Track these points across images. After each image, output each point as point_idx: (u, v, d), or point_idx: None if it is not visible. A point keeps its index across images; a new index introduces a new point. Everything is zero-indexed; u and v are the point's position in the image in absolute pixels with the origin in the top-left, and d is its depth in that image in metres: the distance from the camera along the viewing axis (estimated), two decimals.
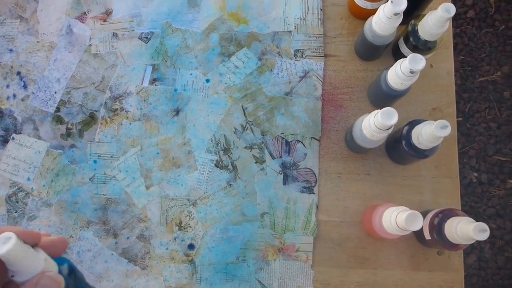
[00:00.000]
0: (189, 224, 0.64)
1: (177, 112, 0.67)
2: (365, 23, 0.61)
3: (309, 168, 0.65)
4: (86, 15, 0.70)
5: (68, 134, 0.67)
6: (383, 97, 0.60)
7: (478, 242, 1.32)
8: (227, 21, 0.69)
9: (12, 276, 0.31)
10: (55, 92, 0.68)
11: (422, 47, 0.59)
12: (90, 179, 0.65)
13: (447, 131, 0.50)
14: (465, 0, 1.51)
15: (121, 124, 0.67)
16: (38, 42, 0.70)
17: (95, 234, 0.64)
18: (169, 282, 0.62)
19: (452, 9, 0.52)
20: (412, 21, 0.60)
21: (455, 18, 1.47)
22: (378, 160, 0.65)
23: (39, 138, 0.67)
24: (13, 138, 0.67)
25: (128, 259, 0.63)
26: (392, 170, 0.65)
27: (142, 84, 0.68)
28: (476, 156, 1.41)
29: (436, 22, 0.54)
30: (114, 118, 0.67)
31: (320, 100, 0.67)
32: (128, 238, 0.64)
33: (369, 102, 0.67)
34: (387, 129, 0.52)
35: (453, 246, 0.53)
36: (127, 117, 0.67)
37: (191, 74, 0.68)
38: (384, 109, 0.50)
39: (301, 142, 0.65)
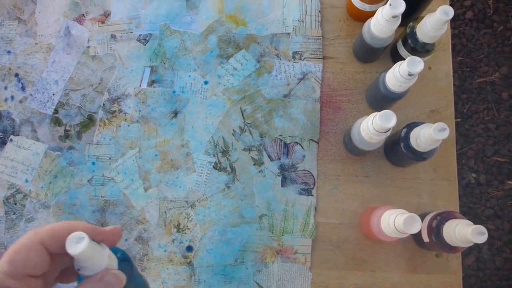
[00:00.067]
0: (187, 226, 0.64)
1: (176, 114, 0.67)
2: (363, 25, 0.61)
3: (308, 170, 0.65)
4: (84, 17, 0.70)
5: (66, 136, 0.67)
6: (382, 99, 0.60)
7: (476, 243, 1.32)
8: (225, 23, 0.69)
9: (78, 269, 0.33)
10: (53, 94, 0.68)
11: (420, 49, 0.59)
12: (88, 181, 0.65)
13: (445, 134, 0.50)
14: (463, 1, 1.51)
15: (120, 126, 0.67)
16: (36, 43, 0.69)
17: None
18: (167, 284, 0.62)
19: (450, 12, 0.52)
20: (411, 23, 0.60)
21: (453, 19, 1.48)
22: (377, 162, 0.65)
23: (37, 140, 0.67)
24: (11, 140, 0.67)
25: None
26: (391, 172, 0.65)
27: (140, 86, 0.68)
28: (474, 157, 1.41)
29: (434, 24, 0.54)
30: (113, 120, 0.67)
31: (318, 102, 0.67)
32: (126, 240, 0.64)
33: (368, 104, 0.67)
34: (386, 132, 0.52)
35: (452, 249, 0.53)
36: (126, 119, 0.67)
37: (189, 76, 0.68)
38: (382, 111, 0.50)
39: (300, 144, 0.65)
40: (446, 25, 0.55)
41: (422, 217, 0.58)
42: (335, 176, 0.65)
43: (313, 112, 0.66)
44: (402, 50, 0.62)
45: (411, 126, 0.57)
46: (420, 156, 0.56)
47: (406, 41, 0.60)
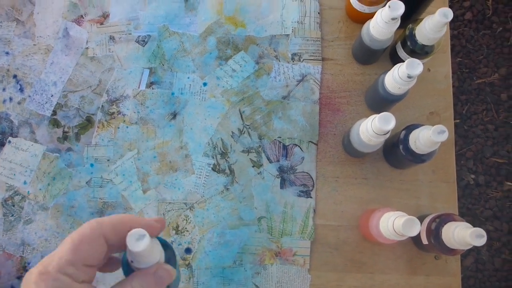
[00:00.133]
0: (186, 228, 0.63)
1: (174, 115, 0.67)
2: (362, 27, 0.61)
3: (307, 172, 0.65)
4: (83, 18, 0.70)
5: (64, 137, 0.67)
6: (381, 101, 0.60)
7: None
8: (224, 25, 0.69)
9: (132, 261, 0.35)
10: (52, 95, 0.68)
11: (419, 51, 0.59)
12: (86, 182, 0.65)
13: (444, 136, 0.50)
14: (463, 2, 1.51)
15: (118, 128, 0.67)
16: (34, 45, 0.69)
17: None
18: None
19: (449, 14, 0.52)
20: (410, 25, 0.60)
21: (452, 20, 1.47)
22: (376, 164, 0.65)
23: (36, 141, 0.67)
24: (9, 142, 0.67)
25: None
26: (390, 174, 0.65)
27: (139, 88, 0.68)
28: (473, 158, 1.41)
29: (433, 26, 0.54)
30: (111, 121, 0.67)
31: (317, 104, 0.66)
32: None
33: (367, 106, 0.66)
34: (385, 134, 0.52)
35: (450, 251, 0.53)
36: (124, 121, 0.67)
37: (188, 77, 0.68)
38: (381, 114, 0.50)
39: (299, 146, 0.65)
40: (445, 27, 0.55)
41: (421, 219, 0.58)
42: (334, 178, 0.65)
43: (312, 114, 0.66)
44: (401, 52, 0.62)
45: (410, 128, 0.57)
46: (419, 158, 0.56)
47: (405, 43, 0.60)
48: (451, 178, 0.64)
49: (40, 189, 0.65)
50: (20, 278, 0.63)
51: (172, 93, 0.67)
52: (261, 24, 0.69)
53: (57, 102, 0.68)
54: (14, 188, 0.65)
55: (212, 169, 0.65)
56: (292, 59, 0.68)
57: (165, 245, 0.39)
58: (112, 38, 0.69)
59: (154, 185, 0.65)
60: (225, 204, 0.64)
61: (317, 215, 0.64)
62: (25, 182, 0.65)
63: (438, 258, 0.62)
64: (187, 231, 0.63)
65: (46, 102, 0.68)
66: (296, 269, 0.62)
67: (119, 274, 0.38)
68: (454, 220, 0.54)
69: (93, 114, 0.67)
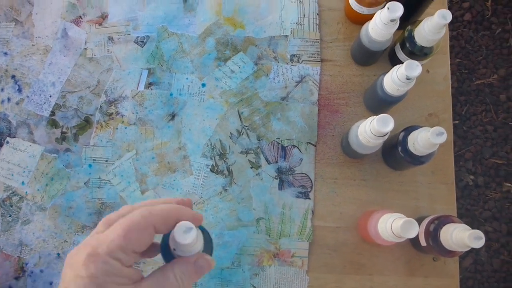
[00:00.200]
0: None
1: (173, 116, 0.66)
2: (361, 28, 0.60)
3: (305, 173, 0.65)
4: (81, 18, 0.70)
5: (63, 138, 0.66)
6: (379, 102, 0.60)
7: None
8: (223, 26, 0.69)
9: (174, 249, 0.36)
10: (50, 96, 0.68)
11: (418, 52, 0.59)
12: (85, 183, 0.65)
13: (443, 138, 0.50)
14: (462, 3, 1.51)
15: (117, 128, 0.66)
16: (33, 45, 0.69)
17: None
18: None
19: (448, 16, 0.52)
20: (409, 26, 0.59)
21: (451, 21, 1.48)
22: (374, 165, 0.65)
23: (34, 142, 0.66)
24: (7, 142, 0.66)
25: None
26: (388, 175, 0.65)
27: (137, 88, 0.68)
28: (472, 159, 1.41)
29: (432, 28, 0.54)
30: (110, 122, 0.67)
31: (316, 105, 0.66)
32: None
33: (365, 108, 0.66)
34: (383, 136, 0.52)
35: (449, 253, 0.53)
36: (123, 121, 0.67)
37: (187, 78, 0.68)
38: (380, 116, 0.50)
39: (297, 147, 0.65)
40: (444, 29, 0.55)
41: (420, 220, 0.58)
42: (333, 179, 0.65)
43: (311, 115, 0.66)
44: (400, 54, 0.62)
45: (408, 130, 0.57)
46: (417, 160, 0.56)
47: (404, 44, 0.60)
48: (450, 179, 0.64)
49: (38, 190, 0.65)
50: (17, 278, 0.62)
51: (171, 94, 0.67)
52: (260, 25, 0.69)
53: (56, 103, 0.67)
54: (12, 189, 0.65)
55: (211, 170, 0.65)
56: (291, 60, 0.68)
57: (203, 231, 0.41)
58: (110, 38, 0.69)
59: (152, 186, 0.65)
60: (223, 205, 0.64)
61: (315, 216, 0.64)
62: (23, 183, 0.65)
63: (436, 260, 0.62)
64: None
65: (45, 103, 0.67)
66: (295, 270, 0.62)
67: None
68: (453, 222, 0.54)
69: (91, 115, 0.67)
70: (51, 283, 0.62)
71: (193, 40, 0.69)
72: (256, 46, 0.68)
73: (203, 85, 0.67)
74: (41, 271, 0.63)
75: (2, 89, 0.68)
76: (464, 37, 1.49)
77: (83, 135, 0.67)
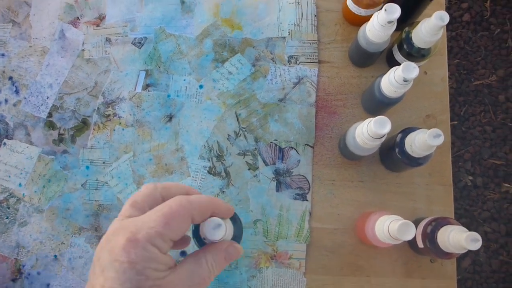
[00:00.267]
0: None
1: (170, 118, 0.66)
2: (359, 29, 0.60)
3: (303, 175, 0.64)
4: (79, 20, 0.70)
5: (60, 139, 0.66)
6: (377, 104, 0.60)
7: None
8: (221, 27, 0.69)
9: (204, 238, 0.39)
10: (47, 97, 0.67)
11: (416, 54, 0.59)
12: (82, 185, 0.65)
13: (440, 140, 0.49)
14: (460, 3, 1.51)
15: (114, 130, 0.66)
16: (30, 46, 0.69)
17: (87, 240, 0.63)
18: None
19: (446, 17, 0.52)
20: (406, 28, 0.59)
21: (450, 22, 1.48)
22: (372, 167, 0.65)
23: (31, 143, 0.66)
24: (4, 144, 0.66)
25: None
26: (386, 177, 0.65)
27: (135, 90, 0.67)
28: (471, 160, 1.41)
29: (429, 30, 0.54)
30: (107, 123, 0.67)
31: (313, 107, 0.66)
32: None
33: (363, 109, 0.66)
34: (380, 138, 0.52)
35: (446, 255, 0.53)
36: (120, 123, 0.66)
37: (184, 80, 0.67)
38: (377, 117, 0.50)
39: (295, 149, 0.65)
40: (441, 31, 0.54)
41: (417, 222, 0.58)
42: (330, 181, 0.65)
43: (308, 116, 0.66)
44: (397, 55, 0.61)
45: (406, 132, 0.56)
46: (415, 162, 0.56)
47: (402, 46, 0.60)
48: (448, 181, 0.64)
49: (35, 192, 0.65)
50: (14, 280, 0.62)
51: (168, 96, 0.67)
52: (258, 27, 0.69)
53: (53, 104, 0.67)
54: (9, 190, 0.65)
55: (208, 171, 0.65)
56: (289, 61, 0.68)
57: (235, 218, 0.44)
58: (108, 40, 0.69)
59: None
60: None
61: (313, 218, 0.64)
62: (20, 185, 0.65)
63: (433, 261, 0.62)
64: None
65: (42, 104, 0.67)
66: (292, 272, 0.62)
67: None
68: (450, 223, 0.54)
69: (89, 116, 0.67)
70: (48, 285, 0.62)
71: (190, 42, 0.69)
72: (253, 47, 0.68)
73: (201, 86, 0.67)
74: (38, 273, 0.63)
75: None
76: (463, 37, 1.49)
77: (80, 136, 0.66)
